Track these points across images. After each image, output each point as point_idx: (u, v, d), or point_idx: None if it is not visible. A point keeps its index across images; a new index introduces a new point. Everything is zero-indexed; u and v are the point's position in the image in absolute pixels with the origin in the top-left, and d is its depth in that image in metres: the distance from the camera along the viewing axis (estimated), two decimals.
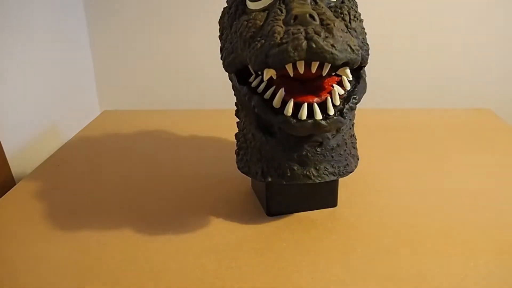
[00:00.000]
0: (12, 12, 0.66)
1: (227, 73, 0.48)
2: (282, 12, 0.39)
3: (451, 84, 0.93)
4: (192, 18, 0.89)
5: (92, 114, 0.90)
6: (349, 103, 0.41)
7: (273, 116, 0.40)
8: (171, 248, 0.45)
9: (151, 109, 0.91)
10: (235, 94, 0.48)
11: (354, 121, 0.50)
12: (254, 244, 0.45)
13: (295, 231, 0.47)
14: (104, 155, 0.68)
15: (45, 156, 0.69)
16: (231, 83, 0.48)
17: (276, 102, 0.40)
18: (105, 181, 0.59)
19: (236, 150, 0.51)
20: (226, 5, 0.49)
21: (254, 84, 0.43)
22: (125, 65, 0.93)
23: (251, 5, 0.43)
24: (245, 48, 0.41)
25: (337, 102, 0.40)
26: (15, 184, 0.61)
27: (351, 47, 0.37)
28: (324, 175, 0.43)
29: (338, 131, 0.44)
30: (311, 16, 0.37)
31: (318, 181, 0.43)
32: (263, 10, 0.42)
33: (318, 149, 0.43)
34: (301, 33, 0.36)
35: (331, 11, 0.41)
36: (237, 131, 0.52)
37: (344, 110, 0.40)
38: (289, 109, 0.39)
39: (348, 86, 0.42)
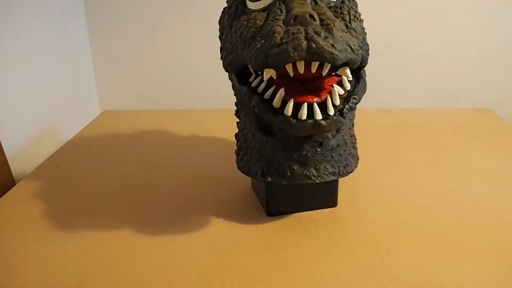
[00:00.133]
0: (12, 13, 0.66)
1: (227, 73, 0.48)
2: (282, 12, 0.39)
3: (451, 84, 0.93)
4: (192, 18, 0.89)
5: (92, 114, 0.90)
6: (349, 103, 0.41)
7: (273, 116, 0.40)
8: (171, 248, 0.45)
9: (151, 109, 0.91)
10: (235, 94, 0.48)
11: (354, 121, 0.50)
12: (254, 244, 0.45)
13: (295, 231, 0.47)
14: (104, 155, 0.68)
15: (45, 156, 0.69)
16: (231, 83, 0.48)
17: (276, 102, 0.40)
18: (105, 181, 0.59)
19: (236, 150, 0.51)
20: (226, 5, 0.49)
21: (254, 84, 0.43)
22: (125, 65, 0.93)
23: (251, 5, 0.43)
24: (245, 48, 0.41)
25: (337, 102, 0.40)
26: (15, 184, 0.61)
27: (351, 47, 0.37)
28: (324, 175, 0.43)
29: (338, 131, 0.44)
30: (311, 16, 0.37)
31: (318, 181, 0.43)
32: (263, 10, 0.42)
33: (318, 149, 0.43)
34: (301, 33, 0.36)
35: (331, 11, 0.41)
36: (237, 131, 0.52)
37: (344, 110, 0.40)
38: (289, 109, 0.39)
39: (348, 86, 0.42)
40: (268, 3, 0.42)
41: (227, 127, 0.63)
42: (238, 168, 0.49)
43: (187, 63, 0.92)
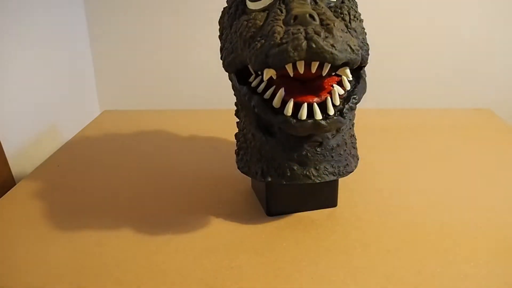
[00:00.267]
0: (12, 12, 0.66)
1: (227, 73, 0.48)
2: (282, 12, 0.39)
3: (451, 84, 0.93)
4: (192, 18, 0.89)
5: (92, 114, 0.90)
6: (349, 103, 0.41)
7: (273, 116, 0.40)
8: (171, 248, 0.45)
9: (151, 109, 0.91)
10: (235, 94, 0.48)
11: (354, 121, 0.50)
12: (254, 244, 0.45)
13: (295, 231, 0.47)
14: (104, 155, 0.68)
15: (45, 156, 0.69)
16: (231, 83, 0.48)
17: (276, 102, 0.40)
18: (105, 181, 0.59)
19: (236, 150, 0.51)
20: (226, 5, 0.49)
21: (254, 84, 0.43)
22: (125, 65, 0.93)
23: (251, 5, 0.43)
24: (245, 48, 0.41)
25: (337, 102, 0.40)
26: (15, 184, 0.61)
27: (351, 47, 0.38)
28: (324, 175, 0.43)
29: (338, 131, 0.44)
30: (311, 16, 0.37)
31: (318, 181, 0.43)
32: (263, 10, 0.42)
33: (318, 149, 0.43)
34: (301, 33, 0.36)
35: (331, 11, 0.41)
36: (237, 131, 0.52)
37: (344, 110, 0.40)
38: (289, 109, 0.39)
39: (348, 86, 0.42)
40: (268, 3, 0.42)
41: (227, 127, 0.63)
42: (238, 168, 0.49)
43: (187, 63, 0.92)
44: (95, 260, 0.43)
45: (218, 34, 0.51)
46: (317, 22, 0.37)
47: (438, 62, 0.91)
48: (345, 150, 0.46)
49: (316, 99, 0.40)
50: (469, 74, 0.92)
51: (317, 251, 0.44)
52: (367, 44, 0.44)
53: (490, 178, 0.59)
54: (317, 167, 0.43)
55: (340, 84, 0.42)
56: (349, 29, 0.41)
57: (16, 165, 0.65)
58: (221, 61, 0.47)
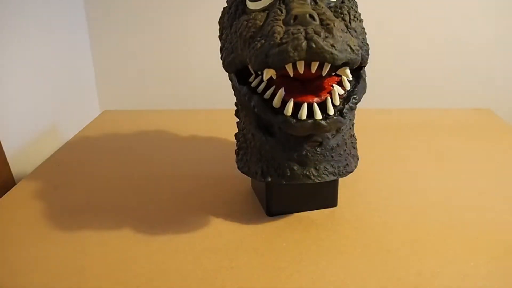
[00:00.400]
0: (12, 12, 0.66)
1: (227, 73, 0.48)
2: (282, 12, 0.39)
3: (451, 84, 0.93)
4: (192, 18, 0.89)
5: (92, 114, 0.90)
6: (349, 103, 0.41)
7: (273, 116, 0.40)
8: (171, 248, 0.45)
9: (151, 109, 0.91)
10: (235, 94, 0.48)
11: (354, 121, 0.50)
12: (254, 244, 0.45)
13: (295, 231, 0.47)
14: (104, 155, 0.68)
15: (45, 156, 0.69)
16: (231, 83, 0.48)
17: (276, 102, 0.40)
18: (105, 181, 0.59)
19: (236, 150, 0.51)
20: (226, 5, 0.49)
21: (254, 84, 0.43)
22: (125, 65, 0.93)
23: (251, 5, 0.43)
24: (245, 48, 0.41)
25: (337, 102, 0.40)
26: (15, 184, 0.61)
27: (351, 47, 0.38)
28: (324, 175, 0.43)
29: (338, 131, 0.44)
30: (311, 16, 0.37)
31: (318, 181, 0.43)
32: (263, 10, 0.42)
33: (318, 149, 0.43)
34: (301, 33, 0.36)
35: (331, 11, 0.41)
36: (237, 131, 0.52)
37: (344, 110, 0.40)
38: (289, 109, 0.39)
39: (348, 86, 0.42)
40: (268, 3, 0.42)
41: (227, 127, 0.63)
42: (238, 168, 0.49)
43: (187, 63, 0.92)
44: (95, 260, 0.43)
45: (218, 34, 0.51)
46: (317, 22, 0.37)
47: (438, 62, 0.91)
48: (345, 150, 0.46)
49: (316, 99, 0.40)
50: (469, 74, 0.92)
51: (317, 251, 0.44)
52: (367, 44, 0.44)
53: (490, 178, 0.59)
54: (317, 167, 0.43)
55: (340, 84, 0.42)
56: (349, 29, 0.41)
57: (16, 165, 0.65)
58: (221, 61, 0.47)
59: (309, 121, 0.38)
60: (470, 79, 0.92)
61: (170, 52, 0.92)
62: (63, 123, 0.80)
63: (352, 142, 0.48)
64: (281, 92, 0.40)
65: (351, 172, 0.46)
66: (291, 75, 0.38)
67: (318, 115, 0.38)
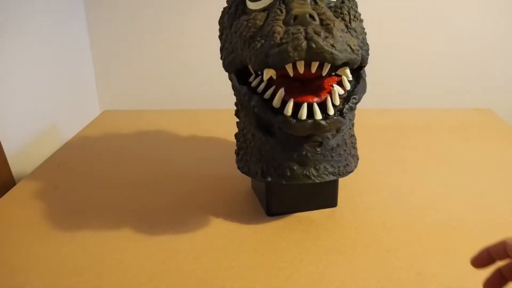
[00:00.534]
0: (12, 13, 0.66)
1: (227, 73, 0.48)
2: (282, 12, 0.39)
3: (451, 84, 0.92)
4: (192, 18, 0.89)
5: (92, 114, 0.90)
6: (349, 103, 0.41)
7: (273, 116, 0.40)
8: (171, 248, 0.45)
9: (151, 109, 0.91)
10: (235, 94, 0.48)
11: (354, 121, 0.50)
12: (254, 244, 0.45)
13: (295, 231, 0.47)
14: (104, 155, 0.68)
15: (45, 156, 0.69)
16: (231, 83, 0.48)
17: (276, 102, 0.40)
18: (105, 181, 0.59)
19: (236, 150, 0.51)
20: (226, 5, 0.49)
21: (254, 84, 0.43)
22: (125, 65, 0.93)
23: (251, 5, 0.43)
24: (245, 48, 0.41)
25: (337, 102, 0.40)
26: (15, 184, 0.61)
27: (351, 47, 0.37)
28: (324, 175, 0.43)
29: (338, 131, 0.44)
30: (311, 16, 0.37)
31: (318, 181, 0.43)
32: (263, 10, 0.42)
33: (318, 149, 0.43)
34: (301, 33, 0.36)
35: (331, 11, 0.41)
36: (237, 131, 0.52)
37: (344, 110, 0.40)
38: (289, 109, 0.39)
39: (348, 86, 0.42)
40: (268, 3, 0.42)
41: (227, 127, 0.63)
42: (238, 168, 0.49)
43: (187, 63, 0.92)
44: (95, 260, 0.43)
45: (218, 34, 0.51)
46: (317, 22, 0.37)
47: (438, 62, 0.91)
48: (345, 150, 0.46)
49: (316, 99, 0.40)
50: (469, 74, 0.92)
51: (317, 251, 0.44)
52: (367, 44, 0.44)
53: (490, 178, 0.59)
54: (317, 167, 0.43)
55: (340, 84, 0.42)
56: (349, 29, 0.41)
57: (16, 165, 0.65)
58: (221, 61, 0.47)
59: (309, 121, 0.38)
60: (470, 79, 0.92)
61: (170, 52, 0.92)
62: (63, 123, 0.80)
63: (352, 142, 0.48)
64: (281, 92, 0.40)
65: (351, 172, 0.46)
66: (291, 75, 0.38)
67: (318, 115, 0.38)
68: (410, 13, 0.87)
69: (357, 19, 0.43)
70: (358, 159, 0.49)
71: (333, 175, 0.44)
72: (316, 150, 0.43)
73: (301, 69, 0.37)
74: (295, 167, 0.43)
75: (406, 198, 0.54)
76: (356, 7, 0.45)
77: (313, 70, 0.38)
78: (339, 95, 0.40)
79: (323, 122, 0.38)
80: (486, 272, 0.40)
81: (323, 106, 0.39)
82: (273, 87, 0.41)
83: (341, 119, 0.39)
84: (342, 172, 0.45)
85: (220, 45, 0.49)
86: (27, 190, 0.57)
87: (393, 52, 0.90)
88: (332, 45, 0.36)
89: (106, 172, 0.62)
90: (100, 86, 0.95)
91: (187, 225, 0.48)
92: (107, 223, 0.49)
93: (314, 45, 0.35)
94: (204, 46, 0.90)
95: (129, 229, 0.48)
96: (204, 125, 0.79)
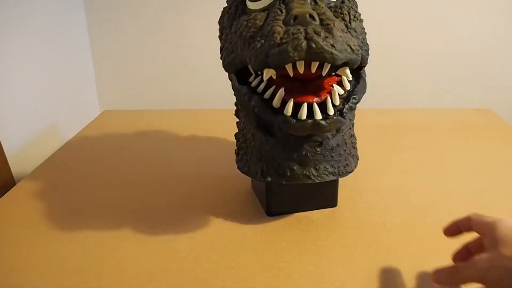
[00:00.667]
0: (12, 13, 0.66)
1: (227, 73, 0.48)
2: (282, 12, 0.39)
3: (451, 84, 0.93)
4: (192, 18, 0.89)
5: (92, 114, 0.90)
6: (349, 103, 0.41)
7: (273, 116, 0.40)
8: (171, 248, 0.45)
9: (151, 109, 0.91)
10: (235, 94, 0.48)
11: (354, 121, 0.50)
12: (254, 244, 0.45)
13: (295, 231, 0.47)
14: (104, 155, 0.68)
15: (45, 156, 0.69)
16: (231, 83, 0.48)
17: (276, 102, 0.40)
18: (105, 181, 0.59)
19: (236, 150, 0.51)
20: (226, 5, 0.49)
21: (254, 84, 0.43)
22: (125, 65, 0.93)
23: (251, 5, 0.43)
24: (245, 48, 0.41)
25: (337, 102, 0.40)
26: (15, 184, 0.61)
27: (351, 47, 0.37)
28: (324, 175, 0.43)
29: (338, 131, 0.44)
30: (311, 16, 0.37)
31: (318, 181, 0.43)
32: (263, 10, 0.42)
33: (318, 149, 0.43)
34: (301, 33, 0.36)
35: (331, 11, 0.41)
36: (237, 131, 0.52)
37: (344, 110, 0.40)
38: (289, 109, 0.39)
39: (348, 86, 0.42)
40: (268, 3, 0.42)
41: (227, 127, 0.63)
42: (238, 168, 0.49)
43: (187, 63, 0.92)
44: (95, 260, 0.43)
45: (218, 34, 0.51)
46: (317, 22, 0.37)
47: (438, 62, 0.91)
48: (345, 150, 0.46)
49: (316, 99, 0.40)
50: (469, 74, 0.92)
51: (317, 251, 0.44)
52: (367, 44, 0.44)
53: (490, 178, 0.59)
54: (317, 167, 0.43)
55: (340, 84, 0.42)
56: (349, 29, 0.41)
57: (16, 165, 0.65)
58: (221, 61, 0.47)
59: (309, 121, 0.38)
60: (470, 79, 0.92)
61: (170, 52, 0.92)
62: (63, 123, 0.80)
63: (352, 142, 0.48)
64: (281, 92, 0.40)
65: (351, 172, 0.46)
66: (291, 75, 0.38)
67: (318, 115, 0.38)
68: (410, 13, 0.87)
69: (357, 19, 0.43)
70: (358, 159, 0.49)
71: (333, 175, 0.44)
72: (316, 150, 0.43)
73: (301, 69, 0.37)
74: (295, 167, 0.43)
75: (406, 198, 0.54)
76: (356, 7, 0.45)
77: (313, 70, 0.38)
78: (339, 95, 0.40)
79: (323, 122, 0.38)
80: None
81: (323, 106, 0.39)
82: (273, 87, 0.41)
83: (341, 119, 0.39)
84: (342, 172, 0.45)
85: (220, 45, 0.49)
86: (27, 190, 0.57)
87: (393, 52, 0.90)
88: (332, 45, 0.36)
89: (106, 172, 0.62)
90: (100, 86, 0.95)
91: (187, 225, 0.48)
92: (107, 223, 0.49)
93: (314, 45, 0.35)
94: (204, 46, 0.90)
95: (129, 229, 0.48)
96: (204, 125, 0.79)
